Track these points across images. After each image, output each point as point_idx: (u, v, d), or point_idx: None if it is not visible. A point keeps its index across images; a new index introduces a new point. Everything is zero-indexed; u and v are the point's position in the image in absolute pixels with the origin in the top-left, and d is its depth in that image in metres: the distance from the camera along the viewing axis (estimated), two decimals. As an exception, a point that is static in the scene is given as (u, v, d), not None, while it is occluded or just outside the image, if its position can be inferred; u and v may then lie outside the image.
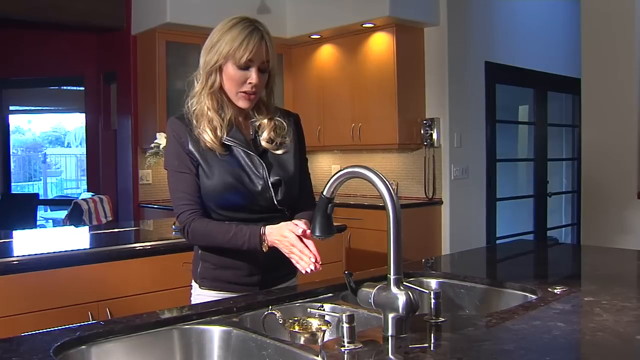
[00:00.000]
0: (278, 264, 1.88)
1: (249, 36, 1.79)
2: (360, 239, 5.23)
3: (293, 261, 1.74)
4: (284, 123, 1.94)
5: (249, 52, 1.78)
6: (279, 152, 1.91)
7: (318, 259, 1.71)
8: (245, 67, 1.80)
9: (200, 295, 1.96)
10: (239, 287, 1.91)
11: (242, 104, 1.85)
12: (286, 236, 1.74)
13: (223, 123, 1.86)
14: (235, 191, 1.84)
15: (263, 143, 1.89)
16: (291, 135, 1.95)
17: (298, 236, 1.72)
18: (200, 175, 1.86)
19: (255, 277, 1.93)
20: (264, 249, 1.79)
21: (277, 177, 1.86)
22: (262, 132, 1.90)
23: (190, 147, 1.85)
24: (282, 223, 1.78)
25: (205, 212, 1.87)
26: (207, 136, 1.83)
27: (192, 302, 1.96)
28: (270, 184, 1.86)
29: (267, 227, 1.79)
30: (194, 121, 1.86)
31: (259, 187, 1.85)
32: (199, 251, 1.96)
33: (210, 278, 1.94)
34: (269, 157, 1.90)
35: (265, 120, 1.91)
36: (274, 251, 1.80)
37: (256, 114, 1.92)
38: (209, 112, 1.85)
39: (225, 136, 1.85)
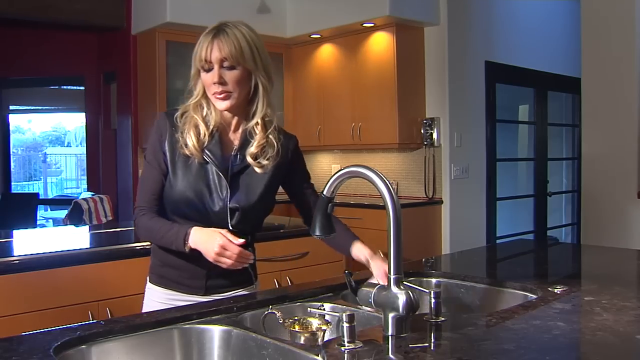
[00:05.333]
0: (227, 271, 1.81)
1: (206, 37, 1.80)
2: (361, 238, 5.22)
3: (222, 265, 1.73)
4: (275, 144, 1.89)
5: (204, 52, 1.78)
6: (258, 170, 1.87)
7: (247, 254, 1.73)
8: (208, 69, 1.79)
9: (149, 289, 1.96)
10: (184, 287, 1.89)
11: (218, 105, 1.83)
12: (215, 238, 1.72)
13: (207, 131, 1.85)
14: (193, 207, 1.82)
15: (247, 157, 1.86)
16: (279, 159, 1.90)
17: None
18: (166, 178, 1.86)
19: (198, 281, 1.89)
20: (186, 249, 1.76)
21: (236, 204, 1.83)
22: (251, 145, 1.87)
23: (166, 146, 1.85)
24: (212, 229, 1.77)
25: (161, 212, 1.87)
26: (190, 141, 1.82)
27: (144, 297, 1.97)
28: (228, 208, 1.83)
29: (195, 228, 1.77)
30: (181, 124, 1.85)
31: (217, 208, 1.82)
32: (153, 245, 1.96)
33: (157, 274, 1.94)
34: (242, 178, 1.86)
35: (259, 134, 1.87)
36: None
37: (247, 120, 1.89)
38: (195, 119, 1.85)
39: (205, 145, 1.84)
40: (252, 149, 1.86)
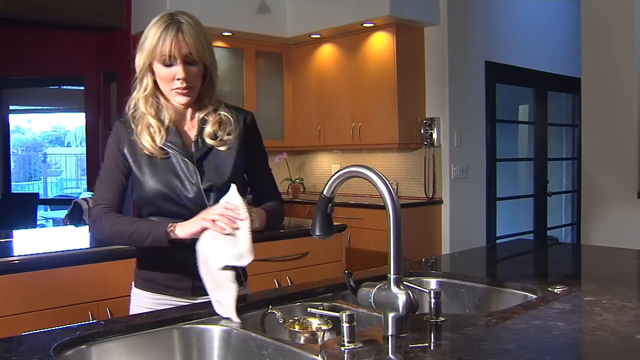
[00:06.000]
0: None
1: (165, 31, 1.74)
2: (360, 238, 5.23)
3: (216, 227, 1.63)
4: (230, 118, 1.89)
5: (167, 47, 1.73)
6: (222, 148, 1.86)
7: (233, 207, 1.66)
8: (169, 64, 1.76)
9: (135, 294, 1.93)
10: (171, 290, 1.86)
11: (179, 100, 1.81)
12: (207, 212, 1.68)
13: (162, 127, 1.83)
14: (168, 200, 1.81)
15: (207, 139, 1.85)
16: (238, 132, 1.90)
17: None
18: (134, 182, 1.84)
19: (185, 282, 1.85)
20: (167, 239, 1.70)
21: (209, 184, 1.82)
22: (206, 127, 1.86)
23: (126, 151, 1.83)
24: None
25: (120, 211, 1.84)
26: (146, 142, 1.80)
27: (130, 303, 1.93)
28: (203, 191, 1.81)
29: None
30: (134, 126, 1.84)
31: (192, 195, 1.80)
32: (138, 248, 1.92)
33: (143, 278, 1.91)
34: (209, 160, 1.85)
35: (211, 115, 1.87)
36: None
37: (200, 109, 1.88)
38: (147, 117, 1.82)
39: (164, 140, 1.82)
40: (208, 128, 1.86)
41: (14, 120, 9.23)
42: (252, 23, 5.99)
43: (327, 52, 6.22)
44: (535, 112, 7.07)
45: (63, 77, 8.17)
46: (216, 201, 1.76)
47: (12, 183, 8.81)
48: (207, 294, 1.75)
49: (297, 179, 6.60)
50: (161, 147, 1.82)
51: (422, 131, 5.64)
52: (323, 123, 6.24)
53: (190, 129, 1.89)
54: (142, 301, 1.90)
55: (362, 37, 5.83)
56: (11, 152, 8.92)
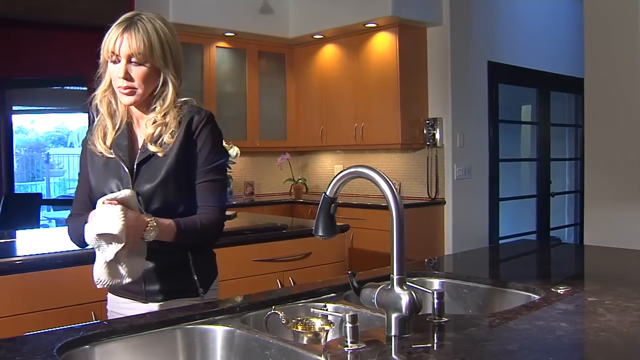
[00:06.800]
0: (163, 275, 1.80)
1: (116, 28, 1.75)
2: (363, 238, 5.23)
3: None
4: (175, 121, 1.79)
5: (112, 44, 1.73)
6: (160, 154, 1.78)
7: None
8: (116, 61, 1.75)
9: (108, 297, 1.95)
10: (127, 293, 1.85)
11: (122, 100, 1.79)
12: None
13: (114, 126, 1.83)
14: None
15: (148, 144, 1.79)
16: (179, 136, 1.78)
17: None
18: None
19: (137, 286, 1.81)
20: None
21: (137, 189, 1.77)
22: (148, 131, 1.80)
23: (87, 153, 1.87)
24: None
25: None
26: (97, 140, 1.83)
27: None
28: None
29: None
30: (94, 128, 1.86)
31: None
32: None
33: None
34: (148, 164, 1.79)
35: (158, 118, 1.80)
36: (159, 260, 1.79)
37: (151, 112, 1.83)
38: (103, 117, 1.84)
39: (112, 141, 1.83)
40: (149, 131, 1.80)
41: (17, 120, 9.25)
42: (254, 23, 5.99)
43: (329, 53, 6.22)
44: (538, 112, 7.06)
45: (65, 77, 8.18)
46: (145, 207, 1.76)
47: (15, 183, 8.82)
48: (159, 300, 1.81)
49: (300, 179, 6.61)
50: (109, 147, 1.82)
51: (424, 131, 5.64)
52: (326, 123, 6.24)
53: (141, 132, 1.86)
54: (110, 305, 1.93)
55: (364, 38, 5.83)
56: (14, 153, 8.94)
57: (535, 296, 1.83)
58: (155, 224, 1.67)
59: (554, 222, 7.29)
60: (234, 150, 3.59)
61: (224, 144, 3.49)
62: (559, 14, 7.00)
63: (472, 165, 5.78)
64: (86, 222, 1.69)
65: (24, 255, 2.57)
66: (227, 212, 4.23)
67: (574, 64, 6.51)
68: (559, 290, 1.80)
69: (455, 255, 3.53)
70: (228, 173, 3.59)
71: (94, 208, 1.73)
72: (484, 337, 1.43)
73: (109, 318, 1.89)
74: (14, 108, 8.83)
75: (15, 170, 8.92)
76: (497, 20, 6.17)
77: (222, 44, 6.07)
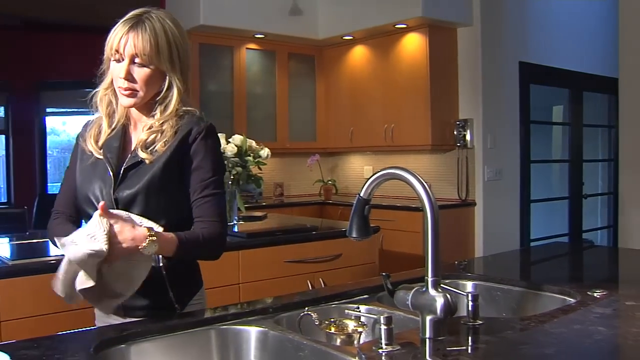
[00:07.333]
0: (140, 290, 1.63)
1: (122, 25, 1.67)
2: (393, 240, 5.21)
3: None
4: (171, 130, 1.70)
5: (116, 42, 1.65)
6: (147, 162, 1.68)
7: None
8: (119, 60, 1.66)
9: (95, 310, 1.85)
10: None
11: (122, 101, 1.70)
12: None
13: (109, 128, 1.76)
14: (86, 201, 1.73)
15: (139, 150, 1.70)
16: (172, 145, 1.69)
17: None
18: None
19: None
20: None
21: (117, 195, 1.68)
22: (141, 136, 1.72)
23: (79, 149, 1.80)
24: None
25: (73, 218, 1.80)
26: (89, 142, 1.75)
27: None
28: (113, 201, 1.68)
29: None
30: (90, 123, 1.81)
31: (103, 202, 1.60)
32: None
33: None
34: (135, 170, 1.70)
35: (155, 123, 1.71)
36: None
37: (150, 117, 1.74)
38: (101, 116, 1.77)
39: (105, 142, 1.75)
40: (142, 137, 1.71)
41: (50, 122, 9.40)
42: (284, 25, 6.01)
43: (359, 54, 6.21)
44: (570, 113, 6.97)
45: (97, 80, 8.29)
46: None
47: (49, 184, 8.97)
48: (143, 315, 1.71)
49: (330, 180, 6.61)
50: (100, 148, 1.75)
51: (455, 132, 5.60)
52: (355, 125, 6.24)
53: (136, 137, 1.77)
54: (97, 318, 1.87)
55: (394, 38, 5.81)
56: (47, 154, 9.08)
57: (570, 299, 1.80)
58: (155, 238, 1.55)
59: (586, 224, 7.18)
60: (264, 152, 3.61)
61: (255, 144, 3.49)
62: (592, 12, 6.89)
63: (503, 167, 5.72)
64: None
65: (58, 255, 2.60)
66: (257, 213, 4.27)
67: (607, 64, 6.42)
68: (595, 294, 1.77)
69: (486, 258, 3.51)
70: (258, 174, 3.63)
71: (78, 208, 1.74)
72: (520, 340, 1.42)
73: None
74: (48, 110, 8.97)
75: (48, 171, 9.07)
76: (528, 20, 6.10)
77: (252, 45, 6.10)
